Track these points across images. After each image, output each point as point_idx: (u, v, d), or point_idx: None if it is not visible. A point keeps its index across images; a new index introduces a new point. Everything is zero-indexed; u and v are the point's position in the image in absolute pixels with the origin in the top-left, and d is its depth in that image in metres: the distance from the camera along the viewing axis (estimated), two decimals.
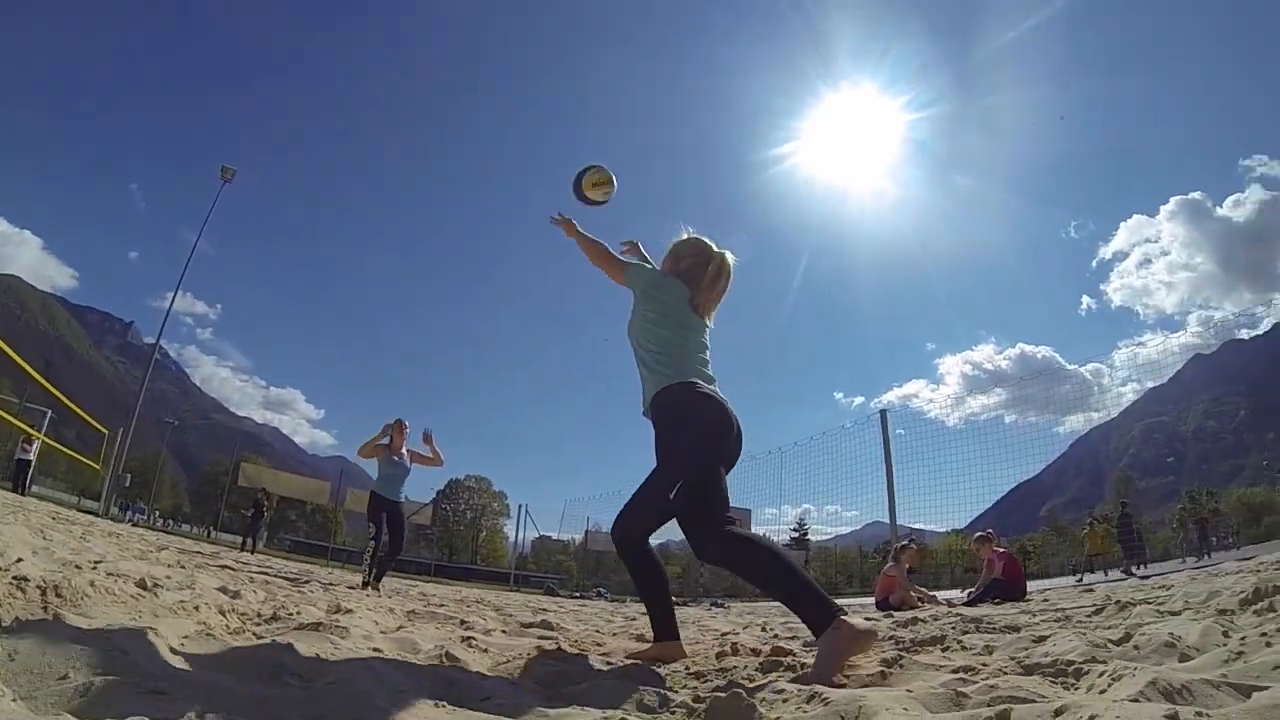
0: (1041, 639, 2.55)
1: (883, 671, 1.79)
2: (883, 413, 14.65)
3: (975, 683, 1.64)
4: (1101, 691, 1.47)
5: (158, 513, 43.09)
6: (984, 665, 1.99)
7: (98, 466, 19.78)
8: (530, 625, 4.18)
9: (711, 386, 2.65)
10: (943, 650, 2.51)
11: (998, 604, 7.63)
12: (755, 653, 2.66)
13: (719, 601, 21.07)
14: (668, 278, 2.89)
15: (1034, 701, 1.45)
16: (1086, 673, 1.70)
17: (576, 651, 2.59)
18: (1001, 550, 9.10)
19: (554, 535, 45.77)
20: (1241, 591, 3.16)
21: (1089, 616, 3.59)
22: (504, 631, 3.70)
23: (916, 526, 13.85)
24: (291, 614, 2.85)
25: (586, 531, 30.87)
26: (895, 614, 6.36)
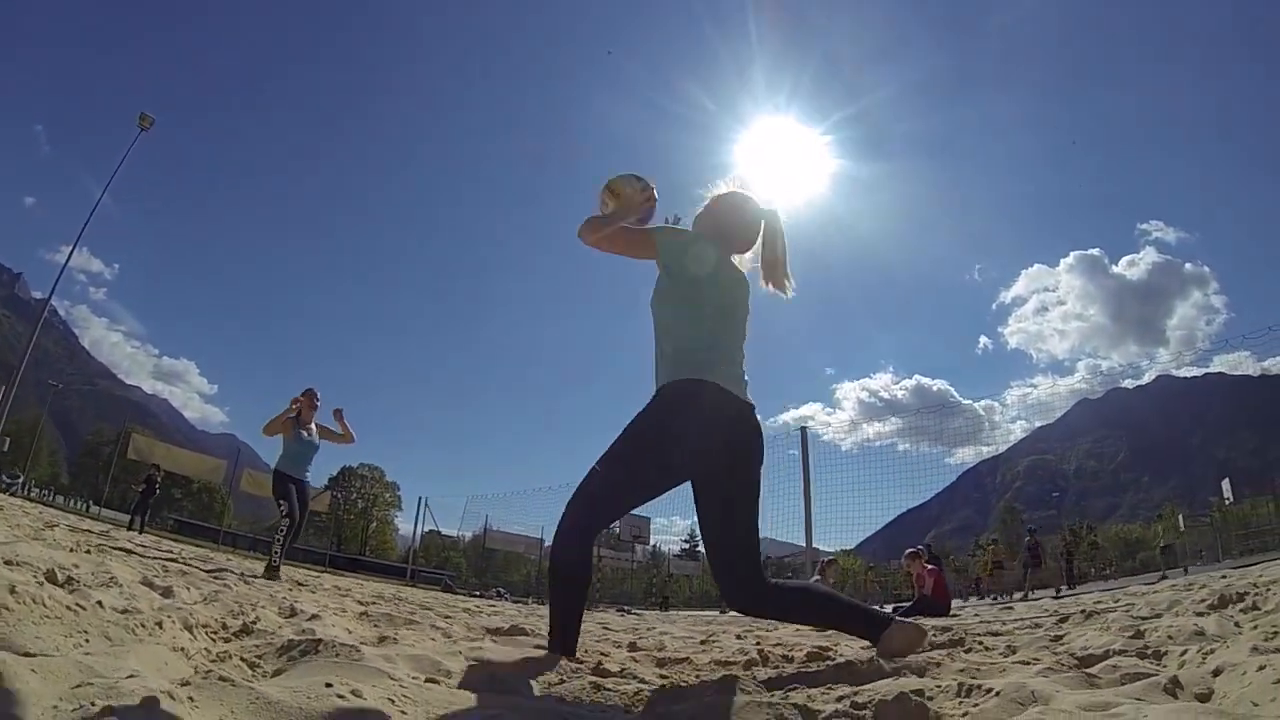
0: (1059, 638, 2.51)
1: (971, 666, 1.67)
2: (803, 429, 15.15)
3: (1081, 669, 1.55)
4: (1200, 664, 1.42)
5: (33, 481, 39.68)
6: (1037, 660, 1.92)
7: None
8: (498, 630, 3.56)
9: (736, 391, 2.18)
10: (966, 651, 2.43)
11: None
12: (788, 659, 2.47)
13: (625, 608, 20.82)
14: (704, 242, 2.31)
15: (1155, 675, 1.37)
16: (1165, 654, 1.65)
17: (618, 667, 2.15)
18: (931, 567, 9.30)
19: (442, 531, 44.81)
20: (1204, 599, 3.26)
21: (1059, 624, 3.60)
22: (494, 641, 3.02)
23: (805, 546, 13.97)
24: (255, 621, 2.37)
25: (486, 529, 30.10)
26: None
